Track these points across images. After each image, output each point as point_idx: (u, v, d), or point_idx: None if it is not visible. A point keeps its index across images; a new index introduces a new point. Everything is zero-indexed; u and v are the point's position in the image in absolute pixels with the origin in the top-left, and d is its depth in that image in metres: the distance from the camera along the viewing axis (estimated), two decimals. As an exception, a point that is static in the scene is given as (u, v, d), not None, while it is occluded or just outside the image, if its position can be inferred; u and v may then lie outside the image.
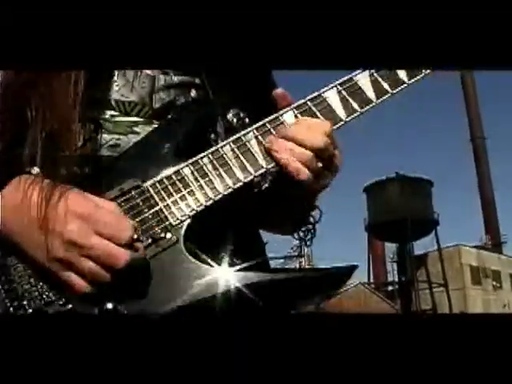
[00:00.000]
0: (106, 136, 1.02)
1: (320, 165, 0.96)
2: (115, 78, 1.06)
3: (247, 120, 1.10)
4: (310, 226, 1.17)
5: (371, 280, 36.90)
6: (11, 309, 0.84)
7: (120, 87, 1.06)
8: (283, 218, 1.19)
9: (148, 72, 1.08)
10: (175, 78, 1.10)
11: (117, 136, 1.02)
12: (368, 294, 29.83)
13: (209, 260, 0.92)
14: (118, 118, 1.03)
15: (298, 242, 1.21)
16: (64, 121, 0.94)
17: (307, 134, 0.95)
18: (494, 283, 37.03)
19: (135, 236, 0.86)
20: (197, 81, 1.12)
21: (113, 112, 1.04)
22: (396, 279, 35.50)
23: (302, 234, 1.18)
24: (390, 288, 36.36)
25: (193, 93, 1.11)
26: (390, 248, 36.81)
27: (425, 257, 34.65)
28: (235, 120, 1.09)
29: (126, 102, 1.05)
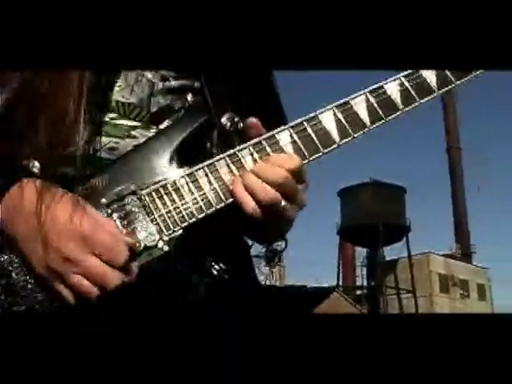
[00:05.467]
0: (104, 138, 1.03)
1: (284, 203, 0.97)
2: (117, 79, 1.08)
3: (241, 125, 1.09)
4: (273, 250, 1.21)
5: (340, 283, 37.15)
6: (6, 305, 0.88)
7: (121, 89, 1.07)
8: (249, 232, 1.22)
9: (149, 77, 1.10)
10: (174, 83, 1.12)
11: (115, 139, 1.04)
12: (337, 297, 29.94)
13: (198, 269, 0.98)
14: (116, 121, 1.05)
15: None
16: (67, 120, 0.96)
17: (270, 169, 0.96)
18: (462, 292, 37.64)
19: (129, 257, 0.90)
20: (196, 85, 1.13)
21: (112, 114, 1.05)
22: (365, 284, 35.85)
23: (267, 252, 1.22)
24: (358, 292, 36.65)
25: (189, 97, 1.13)
26: (361, 252, 37.19)
27: (394, 263, 35.06)
28: (229, 124, 1.08)
29: (126, 103, 1.07)
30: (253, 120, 1.05)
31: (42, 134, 0.94)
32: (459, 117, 45.38)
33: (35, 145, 0.94)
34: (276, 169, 0.96)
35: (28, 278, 0.89)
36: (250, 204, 0.96)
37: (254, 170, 0.97)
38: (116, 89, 1.07)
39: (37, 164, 0.93)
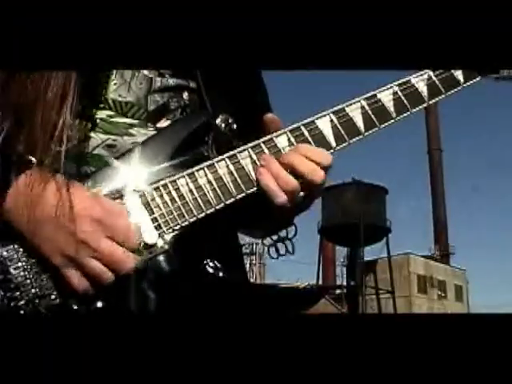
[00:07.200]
0: (102, 136, 1.04)
1: (302, 194, 1.00)
2: (113, 76, 1.07)
3: (235, 126, 1.11)
4: (282, 237, 1.23)
5: (320, 282, 37.21)
6: (5, 300, 0.88)
7: (118, 86, 1.07)
8: (258, 224, 1.25)
9: (145, 73, 1.10)
10: (171, 81, 1.12)
11: (113, 137, 1.04)
12: (317, 296, 30.00)
13: (194, 267, 0.99)
14: (114, 119, 1.05)
15: (266, 247, 1.26)
16: (56, 117, 0.95)
17: (304, 163, 0.99)
18: (439, 293, 37.93)
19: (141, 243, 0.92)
20: (192, 84, 1.14)
21: (109, 112, 1.06)
22: (344, 283, 35.93)
23: (270, 240, 1.24)
24: (338, 291, 36.75)
25: (185, 95, 1.14)
26: (341, 252, 37.24)
27: (374, 263, 35.14)
28: (223, 125, 1.10)
29: (122, 102, 1.07)
30: (270, 115, 1.06)
31: (35, 131, 0.93)
32: (440, 118, 45.68)
33: (28, 142, 0.93)
34: (306, 161, 0.99)
35: (27, 273, 0.89)
36: (279, 193, 0.98)
37: (283, 158, 0.99)
38: (112, 87, 1.07)
39: (34, 160, 0.93)
